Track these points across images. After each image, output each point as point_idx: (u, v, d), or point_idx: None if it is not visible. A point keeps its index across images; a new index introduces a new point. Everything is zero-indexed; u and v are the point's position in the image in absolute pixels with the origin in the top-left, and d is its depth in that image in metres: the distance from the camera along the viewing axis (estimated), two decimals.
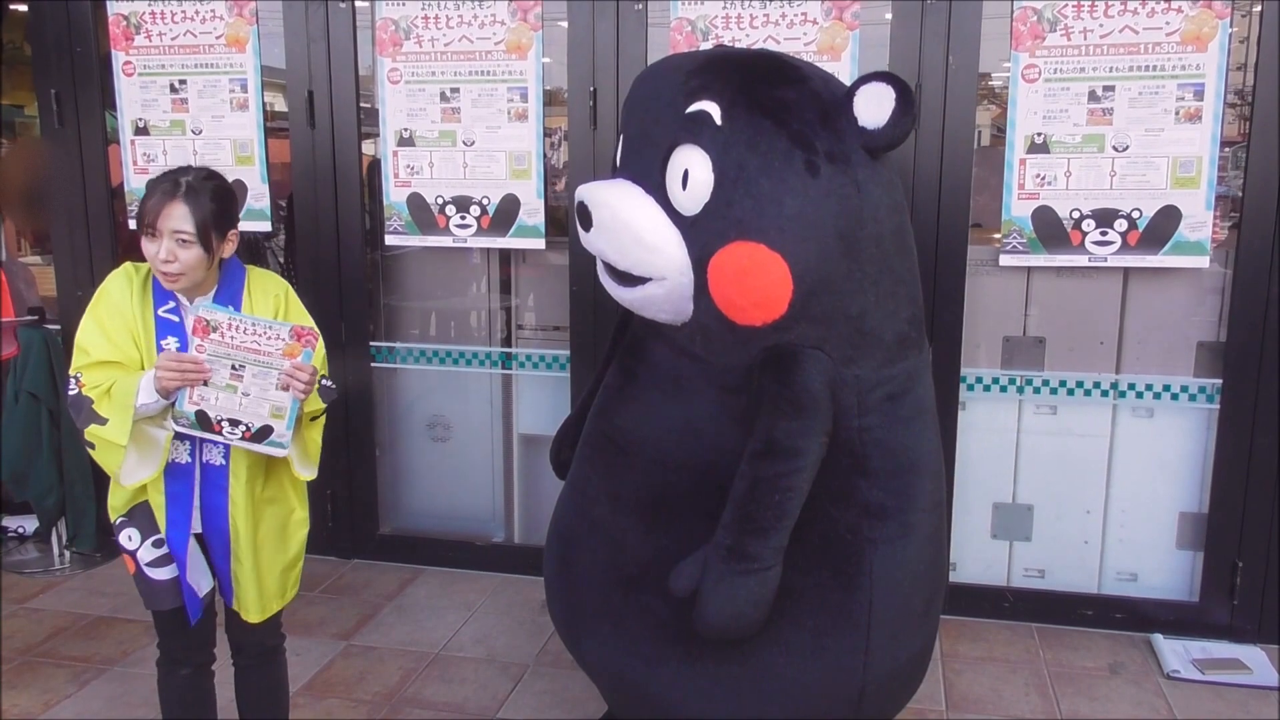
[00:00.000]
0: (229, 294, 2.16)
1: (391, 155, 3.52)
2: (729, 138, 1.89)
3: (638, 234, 1.95)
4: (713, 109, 1.90)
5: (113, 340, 2.08)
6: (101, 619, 3.38)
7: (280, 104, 3.78)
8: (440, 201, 3.51)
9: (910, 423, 2.08)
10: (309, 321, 2.23)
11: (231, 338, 2.02)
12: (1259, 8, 2.98)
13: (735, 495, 1.90)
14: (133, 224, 3.77)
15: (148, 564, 2.17)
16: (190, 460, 2.14)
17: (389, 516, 3.95)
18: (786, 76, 1.98)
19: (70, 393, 2.06)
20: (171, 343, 2.09)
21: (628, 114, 2.13)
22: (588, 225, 2.01)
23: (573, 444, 2.39)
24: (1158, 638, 3.21)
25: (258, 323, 2.04)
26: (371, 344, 3.76)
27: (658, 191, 1.96)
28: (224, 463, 2.15)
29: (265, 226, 3.68)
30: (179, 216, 2.03)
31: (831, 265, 1.91)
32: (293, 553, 2.30)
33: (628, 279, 2.02)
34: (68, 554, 3.80)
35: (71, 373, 2.08)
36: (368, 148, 3.72)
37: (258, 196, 3.64)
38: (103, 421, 2.02)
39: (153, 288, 2.13)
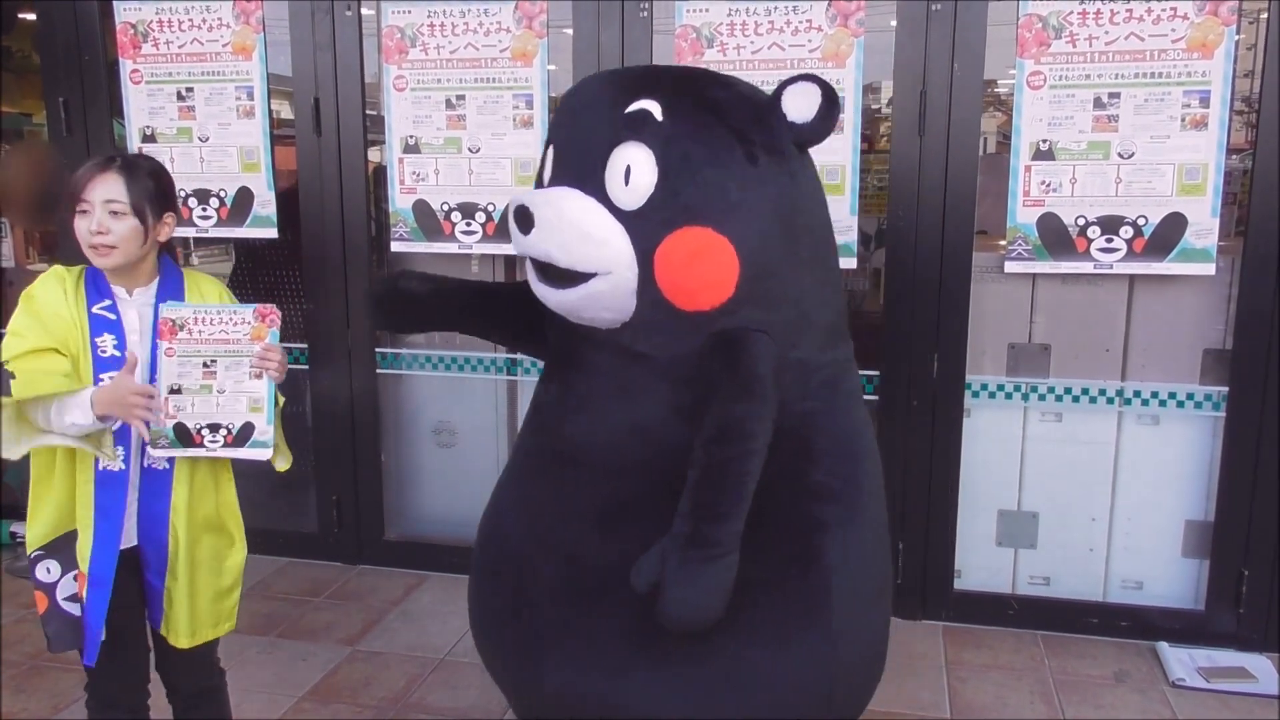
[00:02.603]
0: (170, 290, 2.08)
1: (397, 162, 3.53)
2: (671, 131, 1.95)
3: (584, 229, 1.96)
4: (653, 106, 1.97)
5: (50, 330, 1.95)
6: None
7: (286, 111, 3.79)
8: (446, 208, 3.52)
9: (849, 410, 2.14)
10: None
11: (200, 332, 1.97)
12: (1265, 15, 2.96)
13: (690, 483, 1.91)
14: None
15: (65, 598, 2.05)
16: (125, 467, 2.02)
17: (395, 522, 3.95)
18: (717, 80, 2.10)
19: None
20: (108, 340, 1.98)
21: (556, 126, 2.15)
22: (528, 228, 2.00)
23: (433, 285, 2.37)
24: (1163, 646, 3.20)
25: (222, 310, 2.00)
26: (377, 350, 3.77)
27: (597, 192, 1.99)
28: (168, 466, 2.05)
29: (272, 233, 3.70)
30: (110, 184, 1.98)
31: (773, 249, 1.99)
32: (228, 580, 2.20)
33: (569, 278, 2.01)
34: None
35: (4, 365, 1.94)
36: (373, 154, 3.73)
37: (264, 203, 3.65)
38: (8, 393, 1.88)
39: (85, 286, 2.02)
